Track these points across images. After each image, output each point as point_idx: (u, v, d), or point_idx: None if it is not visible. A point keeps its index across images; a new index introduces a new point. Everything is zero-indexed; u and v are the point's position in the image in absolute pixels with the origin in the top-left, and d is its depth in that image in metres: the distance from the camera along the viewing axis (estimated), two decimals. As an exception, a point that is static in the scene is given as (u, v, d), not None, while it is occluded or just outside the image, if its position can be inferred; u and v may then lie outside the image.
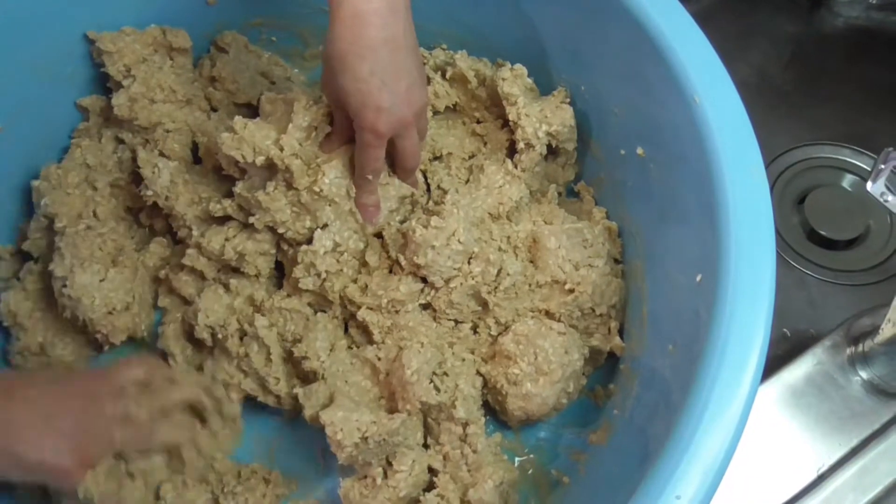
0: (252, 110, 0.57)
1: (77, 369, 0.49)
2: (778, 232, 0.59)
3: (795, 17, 0.68)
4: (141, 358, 0.49)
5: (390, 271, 0.50)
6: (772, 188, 0.61)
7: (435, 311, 0.48)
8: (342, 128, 0.47)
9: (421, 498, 0.45)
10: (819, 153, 0.62)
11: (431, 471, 0.47)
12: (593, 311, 0.48)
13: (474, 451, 0.45)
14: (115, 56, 0.52)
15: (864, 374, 0.49)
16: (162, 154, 0.53)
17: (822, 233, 0.58)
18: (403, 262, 0.48)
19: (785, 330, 0.55)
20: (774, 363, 0.50)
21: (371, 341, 0.49)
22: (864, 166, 0.61)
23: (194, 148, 0.55)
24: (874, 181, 0.47)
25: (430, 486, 0.46)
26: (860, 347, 0.49)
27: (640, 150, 0.46)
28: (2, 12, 0.47)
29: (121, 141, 0.54)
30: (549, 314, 0.48)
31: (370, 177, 0.47)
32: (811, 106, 0.64)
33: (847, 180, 0.61)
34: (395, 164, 0.49)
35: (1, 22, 0.47)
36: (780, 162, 0.62)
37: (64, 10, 0.50)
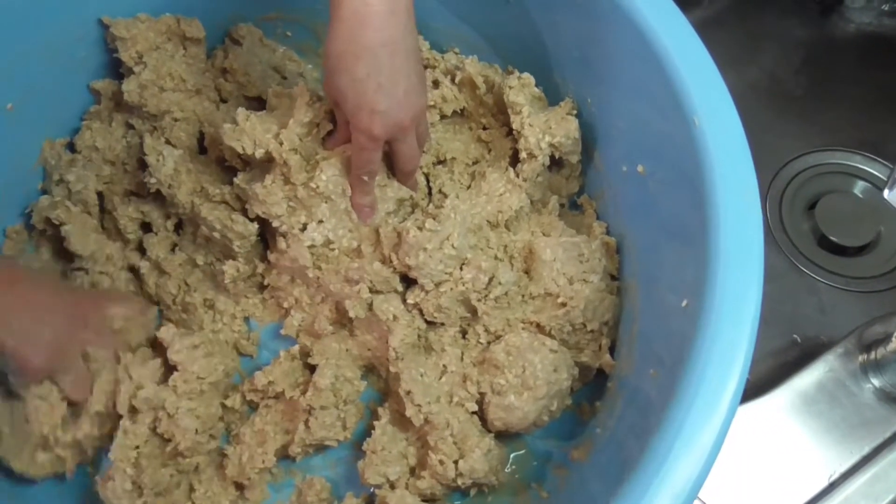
0: (262, 104, 0.56)
1: (76, 288, 0.51)
2: (788, 238, 0.58)
3: (807, 22, 0.67)
4: (131, 300, 0.51)
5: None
6: (782, 194, 0.59)
7: (422, 312, 0.48)
8: (343, 127, 0.46)
9: (423, 473, 0.45)
10: (830, 159, 0.61)
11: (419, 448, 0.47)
12: (584, 326, 0.47)
13: (459, 422, 0.45)
14: (128, 42, 0.51)
15: (876, 382, 0.48)
16: (168, 142, 0.53)
17: (833, 239, 0.57)
18: (395, 262, 0.47)
19: (795, 336, 0.54)
20: (784, 369, 0.49)
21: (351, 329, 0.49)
22: (876, 172, 0.60)
23: (201, 138, 0.54)
24: (891, 188, 0.45)
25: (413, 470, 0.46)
26: (872, 355, 0.48)
27: (640, 168, 0.45)
28: (18, -8, 0.47)
29: (130, 126, 0.54)
30: (539, 327, 0.47)
31: (365, 178, 0.46)
32: (822, 111, 0.63)
33: (858, 186, 0.60)
34: (393, 166, 0.48)
35: (16, 2, 0.46)
36: (791, 167, 0.60)
37: (80, -7, 0.50)
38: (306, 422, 0.46)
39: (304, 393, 0.47)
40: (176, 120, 0.53)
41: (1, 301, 0.43)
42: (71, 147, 0.54)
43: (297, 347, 0.49)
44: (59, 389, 0.45)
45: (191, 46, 0.54)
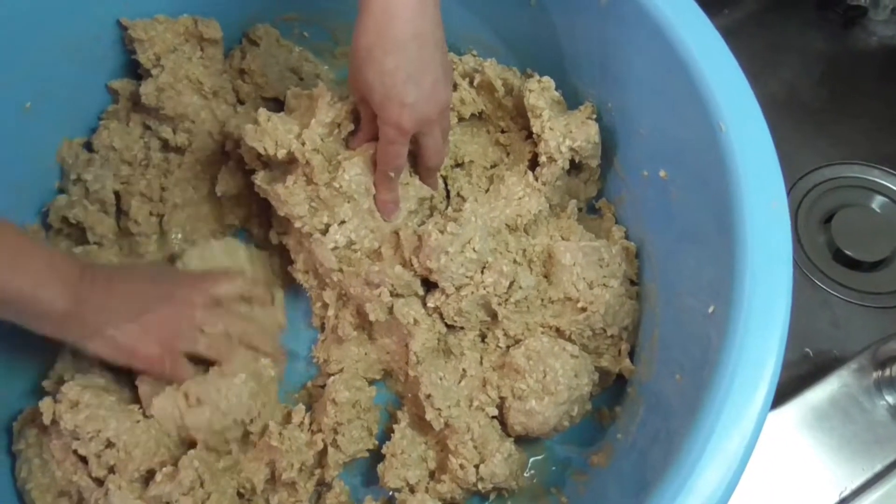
0: (279, 105, 0.56)
1: (173, 272, 0.50)
2: (803, 251, 0.58)
3: (828, 34, 0.66)
4: (238, 276, 0.50)
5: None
6: (798, 206, 0.59)
7: (442, 315, 0.47)
8: (368, 124, 0.46)
9: (443, 477, 0.44)
10: (848, 172, 0.60)
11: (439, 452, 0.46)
12: (605, 331, 0.46)
13: (479, 426, 0.45)
14: (146, 44, 0.51)
15: (890, 399, 0.48)
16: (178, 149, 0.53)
17: (849, 253, 0.57)
18: (416, 265, 0.47)
19: (807, 350, 0.54)
20: (796, 383, 0.49)
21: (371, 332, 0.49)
22: (894, 187, 0.59)
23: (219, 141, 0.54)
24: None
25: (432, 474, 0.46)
26: (887, 372, 0.48)
27: (662, 173, 0.45)
28: (37, -7, 0.46)
29: (148, 127, 0.54)
30: (559, 331, 0.47)
31: (392, 174, 0.46)
32: (841, 124, 0.62)
33: (876, 201, 0.59)
34: (418, 162, 0.48)
35: (35, 1, 0.46)
36: (808, 180, 0.60)
37: (99, -6, 0.49)
38: (334, 442, 0.46)
39: (316, 431, 0.47)
40: (193, 122, 0.53)
41: (104, 300, 0.42)
42: (88, 147, 0.54)
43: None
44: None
45: (208, 47, 0.54)
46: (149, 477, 0.44)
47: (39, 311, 0.40)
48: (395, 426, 0.46)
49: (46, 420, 0.43)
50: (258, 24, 0.57)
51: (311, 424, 0.47)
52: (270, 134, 0.47)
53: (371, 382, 0.50)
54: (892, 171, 0.60)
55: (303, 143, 0.46)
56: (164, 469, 0.43)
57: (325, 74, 0.59)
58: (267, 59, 0.56)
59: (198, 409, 0.44)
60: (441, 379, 0.45)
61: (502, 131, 0.54)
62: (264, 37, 0.57)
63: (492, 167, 0.53)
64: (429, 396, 0.45)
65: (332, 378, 0.48)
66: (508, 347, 0.47)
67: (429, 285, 0.48)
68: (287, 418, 0.47)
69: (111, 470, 0.43)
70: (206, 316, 0.46)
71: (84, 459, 0.43)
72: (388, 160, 0.45)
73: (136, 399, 0.46)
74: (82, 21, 0.49)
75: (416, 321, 0.46)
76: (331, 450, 0.46)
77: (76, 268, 0.42)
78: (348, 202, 0.47)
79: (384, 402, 0.50)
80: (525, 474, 0.47)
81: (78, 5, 0.48)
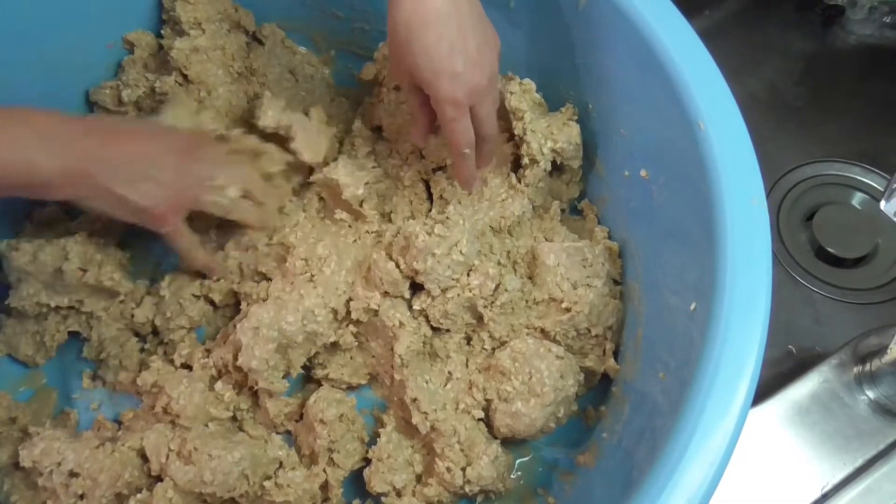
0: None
1: (174, 129, 0.51)
2: (785, 248, 0.58)
3: (808, 34, 0.67)
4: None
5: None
6: (780, 204, 0.60)
7: (428, 318, 0.48)
8: (420, 111, 0.45)
9: (430, 481, 0.45)
10: (829, 170, 0.61)
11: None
12: (589, 331, 0.47)
13: (466, 429, 0.45)
14: (188, 7, 0.52)
15: (870, 394, 0.48)
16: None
17: (830, 250, 0.57)
18: (403, 266, 0.47)
19: (790, 347, 0.54)
20: (779, 380, 0.49)
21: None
22: (874, 184, 0.60)
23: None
24: (888, 200, 0.46)
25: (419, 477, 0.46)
26: (867, 366, 0.48)
27: (643, 173, 0.45)
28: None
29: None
30: (544, 332, 0.47)
31: (467, 150, 0.44)
32: (822, 122, 0.63)
33: (857, 198, 0.60)
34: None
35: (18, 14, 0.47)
36: (790, 178, 0.61)
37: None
38: (330, 461, 0.46)
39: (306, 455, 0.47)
40: (208, 94, 0.52)
41: (112, 155, 0.43)
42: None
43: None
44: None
45: (240, 35, 0.54)
46: (119, 501, 0.43)
47: (37, 176, 0.40)
48: (381, 430, 0.47)
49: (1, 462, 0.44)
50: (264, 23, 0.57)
51: (299, 451, 0.47)
52: None
53: (355, 388, 0.50)
54: (872, 168, 0.60)
55: None
56: (137, 495, 0.42)
57: (322, 77, 0.59)
58: (270, 59, 0.56)
59: (183, 465, 0.43)
60: (427, 382, 0.46)
61: (484, 133, 0.55)
62: (270, 36, 0.57)
63: (475, 170, 0.54)
64: (415, 400, 0.45)
65: (311, 398, 0.48)
66: (494, 349, 0.48)
67: (414, 288, 0.48)
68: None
69: (81, 497, 0.43)
70: (209, 169, 0.47)
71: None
72: (458, 138, 0.43)
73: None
74: (65, 32, 0.49)
75: (401, 324, 0.46)
76: (328, 469, 0.46)
77: (79, 125, 0.43)
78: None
79: (370, 406, 0.50)
80: (512, 476, 0.47)
81: (70, 18, 0.49)
